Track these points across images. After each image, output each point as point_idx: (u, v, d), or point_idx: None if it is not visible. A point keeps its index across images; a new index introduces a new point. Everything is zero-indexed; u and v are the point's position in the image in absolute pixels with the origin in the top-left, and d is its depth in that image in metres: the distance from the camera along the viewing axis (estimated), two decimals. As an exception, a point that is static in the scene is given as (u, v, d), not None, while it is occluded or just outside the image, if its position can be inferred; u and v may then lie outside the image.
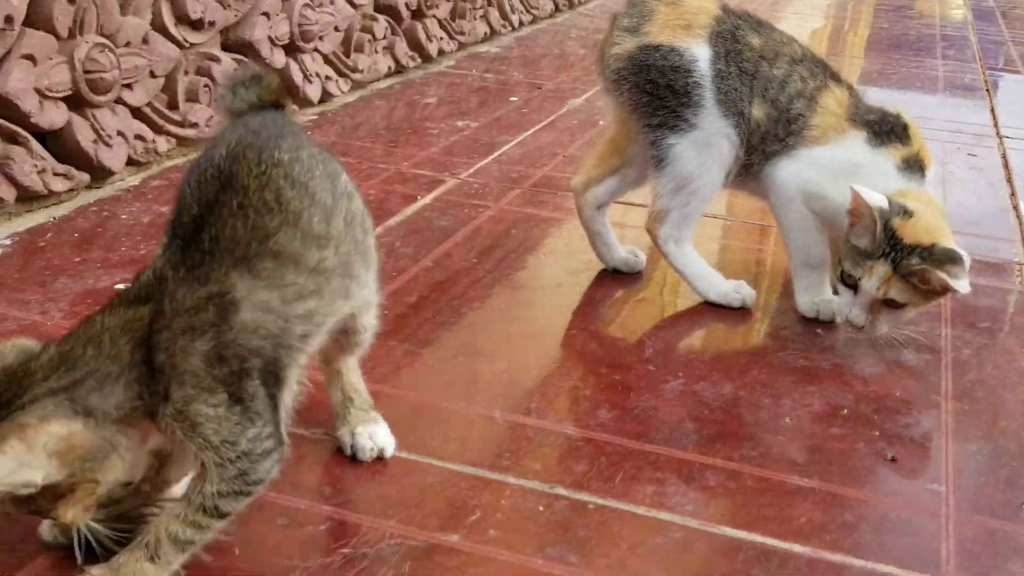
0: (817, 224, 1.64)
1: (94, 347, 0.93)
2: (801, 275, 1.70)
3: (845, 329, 1.62)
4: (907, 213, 1.48)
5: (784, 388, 1.47)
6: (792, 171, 1.64)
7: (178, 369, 0.93)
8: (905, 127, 1.62)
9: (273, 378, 0.98)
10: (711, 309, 1.72)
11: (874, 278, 1.49)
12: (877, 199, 1.49)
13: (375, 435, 1.22)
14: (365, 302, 1.14)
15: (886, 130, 1.61)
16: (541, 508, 1.17)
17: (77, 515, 0.93)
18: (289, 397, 1.02)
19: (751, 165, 1.68)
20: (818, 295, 1.69)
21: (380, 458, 1.22)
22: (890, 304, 1.51)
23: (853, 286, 1.53)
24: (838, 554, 1.12)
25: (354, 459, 1.22)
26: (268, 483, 1.00)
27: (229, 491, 0.97)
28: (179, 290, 0.95)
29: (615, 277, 1.83)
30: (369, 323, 1.18)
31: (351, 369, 1.22)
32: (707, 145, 1.64)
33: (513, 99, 3.06)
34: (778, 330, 1.66)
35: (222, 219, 0.97)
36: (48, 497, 0.91)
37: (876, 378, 1.52)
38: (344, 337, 1.16)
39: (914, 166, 1.59)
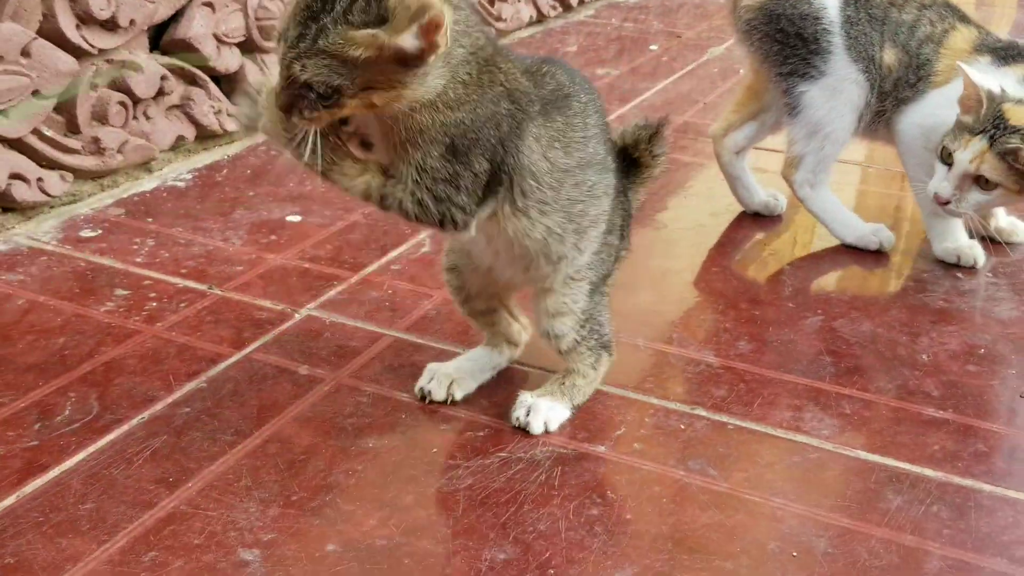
0: None
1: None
2: (932, 223, 1.72)
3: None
4: (1021, 102, 1.50)
5: (922, 327, 1.51)
6: (916, 114, 1.66)
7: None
8: None
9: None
10: (850, 251, 1.75)
11: (969, 151, 1.51)
12: (987, 81, 1.51)
13: (535, 408, 1.22)
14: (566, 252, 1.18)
15: (1012, 54, 1.61)
16: (682, 427, 1.25)
17: (354, 108, 1.01)
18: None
19: (884, 111, 1.70)
20: (953, 241, 1.71)
21: (523, 429, 1.22)
22: (981, 184, 1.52)
23: (950, 163, 1.54)
24: (968, 479, 1.17)
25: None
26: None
27: None
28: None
29: (755, 219, 1.88)
30: (555, 310, 1.21)
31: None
32: (837, 91, 1.67)
33: (652, 48, 3.09)
34: (918, 273, 1.69)
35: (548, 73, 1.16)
36: (366, 77, 0.99)
37: (1015, 321, 1.54)
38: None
39: None
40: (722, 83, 2.72)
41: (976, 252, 1.70)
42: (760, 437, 1.24)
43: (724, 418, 1.27)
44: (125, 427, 1.20)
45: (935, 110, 1.63)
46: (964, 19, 1.69)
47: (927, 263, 1.72)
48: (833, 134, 1.70)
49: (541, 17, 3.28)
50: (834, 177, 1.78)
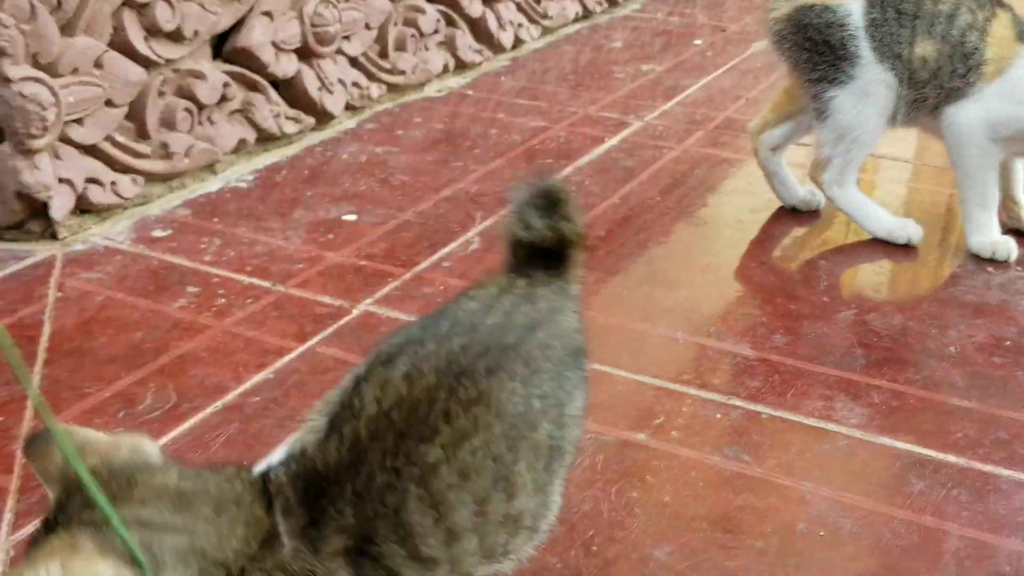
0: (997, 161, 1.70)
1: None
2: (973, 215, 1.77)
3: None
4: None
5: (951, 320, 1.57)
6: (975, 110, 1.70)
7: None
8: None
9: None
10: (885, 246, 1.81)
11: None
12: None
13: None
14: None
15: None
16: (719, 416, 1.33)
17: None
18: None
19: (924, 99, 1.73)
20: (989, 235, 1.76)
21: None
22: None
23: None
24: (989, 465, 1.24)
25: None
26: None
27: None
28: None
29: (793, 215, 1.94)
30: None
31: None
32: (865, 95, 1.73)
33: (697, 42, 3.15)
34: (952, 267, 1.75)
35: None
36: None
37: (1045, 314, 1.60)
38: None
39: None
40: (765, 79, 2.77)
41: (1010, 246, 1.75)
42: (792, 426, 1.31)
43: (759, 408, 1.34)
44: (200, 415, 1.30)
45: (1000, 104, 1.67)
46: (1000, 3, 1.72)
47: (960, 258, 1.78)
48: (861, 138, 1.75)
49: (587, 13, 3.35)
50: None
